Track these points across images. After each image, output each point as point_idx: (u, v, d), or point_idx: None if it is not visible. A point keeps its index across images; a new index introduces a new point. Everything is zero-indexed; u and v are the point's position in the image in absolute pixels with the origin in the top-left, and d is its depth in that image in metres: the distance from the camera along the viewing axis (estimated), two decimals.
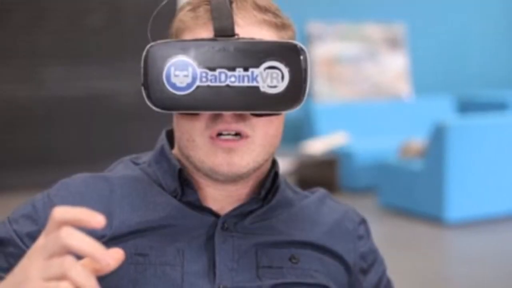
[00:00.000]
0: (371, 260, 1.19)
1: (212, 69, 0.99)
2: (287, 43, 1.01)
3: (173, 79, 0.99)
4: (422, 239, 4.61)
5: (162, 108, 1.01)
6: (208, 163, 1.04)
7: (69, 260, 0.77)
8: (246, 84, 0.99)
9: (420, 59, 7.43)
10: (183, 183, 1.09)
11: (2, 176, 5.75)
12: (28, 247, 1.00)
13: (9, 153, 5.80)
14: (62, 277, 0.77)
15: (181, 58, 0.99)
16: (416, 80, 7.41)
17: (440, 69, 7.69)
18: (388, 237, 4.51)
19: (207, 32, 1.02)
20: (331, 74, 6.77)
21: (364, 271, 1.17)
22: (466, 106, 7.40)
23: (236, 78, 0.99)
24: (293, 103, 1.01)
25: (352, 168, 5.80)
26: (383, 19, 7.17)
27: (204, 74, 0.99)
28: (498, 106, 7.00)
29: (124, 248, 0.84)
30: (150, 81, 1.00)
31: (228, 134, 1.02)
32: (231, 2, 1.03)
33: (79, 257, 0.78)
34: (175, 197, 1.09)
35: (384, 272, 1.21)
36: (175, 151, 1.12)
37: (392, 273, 1.24)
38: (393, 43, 7.18)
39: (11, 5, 5.78)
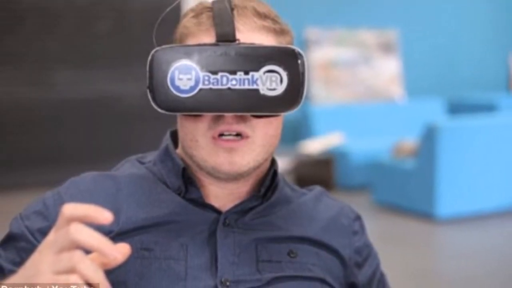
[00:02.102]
0: (366, 254, 1.19)
1: (214, 72, 0.99)
2: (286, 48, 1.01)
3: (177, 82, 0.99)
4: (414, 234, 4.60)
5: (167, 110, 1.01)
6: (210, 162, 1.04)
7: (78, 254, 0.77)
8: (246, 87, 0.99)
9: (412, 63, 7.43)
10: (186, 181, 1.09)
11: (14, 175, 5.74)
12: (39, 242, 1.00)
13: (22, 153, 5.80)
14: (71, 271, 0.77)
15: (184, 62, 0.99)
16: (408, 83, 7.41)
17: (431, 73, 7.69)
18: (382, 233, 4.51)
19: (209, 38, 1.02)
20: (327, 78, 6.76)
21: (359, 265, 1.17)
22: (456, 108, 7.40)
23: (237, 81, 0.99)
24: (291, 105, 1.01)
25: (348, 167, 5.79)
26: (377, 25, 7.16)
27: (206, 78, 0.99)
28: (486, 108, 7.00)
29: (130, 243, 0.84)
30: (155, 84, 1.00)
31: (230, 135, 1.02)
32: (232, 9, 1.03)
33: (87, 251, 0.78)
34: (179, 194, 1.09)
35: (378, 265, 1.21)
36: (179, 150, 1.12)
37: (385, 267, 1.24)
38: (386, 48, 7.18)
39: (23, 12, 5.78)
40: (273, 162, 1.13)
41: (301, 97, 1.01)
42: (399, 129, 6.57)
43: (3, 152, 5.76)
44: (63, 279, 0.77)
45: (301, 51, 1.00)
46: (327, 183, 5.52)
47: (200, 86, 0.99)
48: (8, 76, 5.78)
